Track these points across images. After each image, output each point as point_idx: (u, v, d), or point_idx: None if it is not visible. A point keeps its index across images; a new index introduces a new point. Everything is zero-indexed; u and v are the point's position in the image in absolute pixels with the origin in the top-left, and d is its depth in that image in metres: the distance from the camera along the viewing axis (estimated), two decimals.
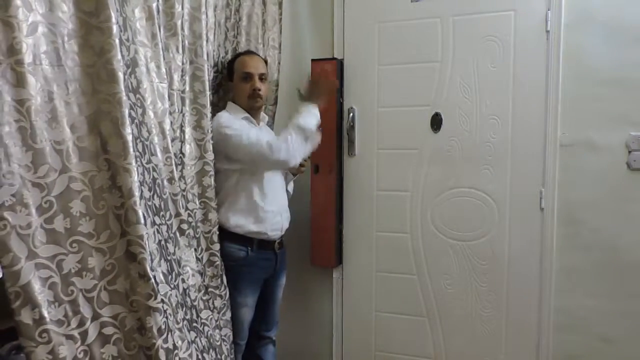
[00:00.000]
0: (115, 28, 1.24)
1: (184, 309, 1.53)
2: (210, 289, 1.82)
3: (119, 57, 1.25)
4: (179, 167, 1.68)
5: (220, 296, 1.84)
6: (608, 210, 1.99)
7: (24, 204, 1.11)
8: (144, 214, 1.31)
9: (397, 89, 2.26)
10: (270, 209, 1.90)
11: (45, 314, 1.13)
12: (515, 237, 2.13)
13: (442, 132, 2.20)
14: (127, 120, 1.26)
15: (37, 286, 1.12)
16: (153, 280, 1.31)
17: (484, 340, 2.21)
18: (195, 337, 1.57)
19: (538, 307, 2.12)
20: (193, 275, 1.66)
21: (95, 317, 1.25)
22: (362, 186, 2.35)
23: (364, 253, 2.38)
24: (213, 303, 1.83)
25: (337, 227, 2.35)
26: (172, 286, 1.45)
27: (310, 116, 1.85)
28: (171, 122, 1.59)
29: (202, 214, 1.78)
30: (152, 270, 1.31)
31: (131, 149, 1.26)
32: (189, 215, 1.73)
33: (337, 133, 2.30)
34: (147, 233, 1.31)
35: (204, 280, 1.78)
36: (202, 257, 1.79)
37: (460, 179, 2.19)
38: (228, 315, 1.86)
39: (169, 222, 1.55)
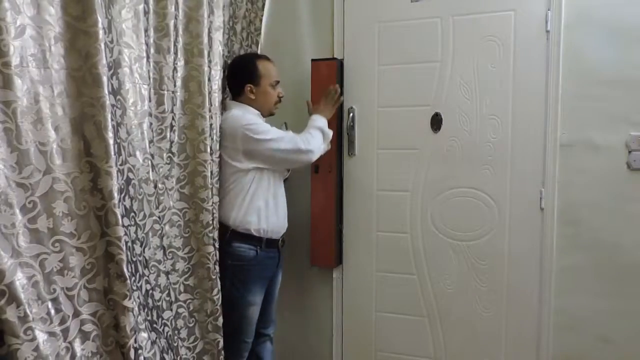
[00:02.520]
0: (101, 32, 1.25)
1: (146, 309, 1.55)
2: (198, 291, 1.81)
3: (104, 61, 1.26)
4: (168, 167, 1.68)
5: (212, 300, 1.82)
6: (608, 210, 1.99)
7: (8, 203, 1.12)
8: (122, 215, 1.33)
9: (397, 89, 2.26)
10: (280, 208, 1.98)
11: (29, 312, 1.15)
12: (515, 237, 2.13)
13: (442, 132, 2.20)
14: (110, 124, 1.28)
15: (21, 284, 1.13)
16: (129, 280, 1.34)
17: (484, 340, 2.21)
18: (156, 338, 1.59)
19: (538, 307, 2.12)
20: (159, 275, 1.66)
21: (76, 314, 1.28)
22: (362, 186, 2.35)
23: (364, 253, 2.38)
24: (203, 305, 1.82)
25: (337, 227, 2.35)
26: (135, 287, 1.47)
27: (324, 121, 2.08)
28: (151, 123, 1.59)
29: (194, 214, 1.78)
30: (128, 271, 1.34)
31: (112, 152, 1.28)
32: (174, 214, 1.73)
33: (337, 133, 2.30)
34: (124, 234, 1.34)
35: (185, 280, 1.78)
36: (190, 258, 1.79)
37: (460, 179, 2.19)
38: (220, 320, 1.85)
39: (141, 223, 1.55)
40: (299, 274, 2.43)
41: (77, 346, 1.27)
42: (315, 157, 1.97)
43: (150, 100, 1.58)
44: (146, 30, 1.54)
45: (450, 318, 2.26)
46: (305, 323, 2.50)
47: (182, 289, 1.77)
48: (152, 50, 1.59)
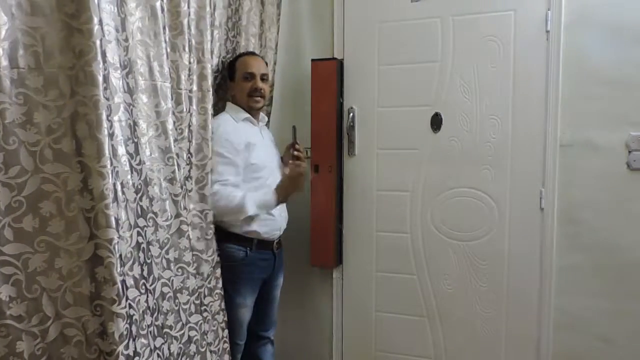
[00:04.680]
0: (96, 29, 1.23)
1: (156, 314, 1.51)
2: (217, 292, 1.80)
3: (99, 59, 1.24)
4: (187, 167, 1.67)
5: (223, 297, 1.83)
6: (608, 210, 1.99)
7: None
8: (116, 218, 1.29)
9: (397, 89, 2.26)
10: (274, 210, 1.90)
11: (6, 310, 1.15)
12: (515, 237, 2.13)
13: (442, 132, 2.20)
14: (104, 123, 1.25)
15: None
16: (119, 285, 1.28)
17: (484, 340, 2.21)
18: (162, 344, 1.53)
19: (538, 307, 2.12)
20: (188, 278, 1.64)
21: (58, 317, 1.25)
22: (362, 186, 2.35)
23: (364, 253, 2.38)
24: (220, 305, 1.81)
25: (337, 227, 2.35)
26: (143, 291, 1.43)
27: (266, 207, 1.85)
28: (174, 122, 1.58)
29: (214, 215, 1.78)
30: (120, 275, 1.29)
31: (106, 152, 1.26)
32: (195, 215, 1.71)
33: (337, 133, 2.30)
34: (118, 237, 1.29)
35: (209, 283, 1.76)
36: (212, 260, 1.78)
37: (460, 179, 2.19)
38: (219, 316, 1.84)
39: (164, 224, 1.53)
40: (299, 274, 2.43)
41: (55, 349, 1.25)
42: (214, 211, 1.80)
43: (172, 99, 1.57)
44: (164, 28, 1.53)
45: (450, 318, 2.26)
46: (305, 323, 2.50)
47: (206, 292, 1.75)
48: (168, 49, 1.58)
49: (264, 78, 1.98)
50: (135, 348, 1.36)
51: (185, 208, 1.61)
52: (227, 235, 1.86)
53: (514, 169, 2.11)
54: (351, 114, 2.33)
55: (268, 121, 2.36)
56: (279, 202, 1.88)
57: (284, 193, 1.88)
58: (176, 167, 1.57)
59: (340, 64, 2.32)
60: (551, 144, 2.04)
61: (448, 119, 2.19)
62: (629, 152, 1.95)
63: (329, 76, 2.27)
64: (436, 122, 2.21)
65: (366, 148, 2.33)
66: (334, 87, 2.27)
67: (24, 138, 1.17)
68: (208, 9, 1.72)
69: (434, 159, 2.23)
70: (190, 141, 1.68)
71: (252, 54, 2.06)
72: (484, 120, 2.14)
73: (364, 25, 2.30)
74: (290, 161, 1.99)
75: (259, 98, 1.95)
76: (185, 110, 1.64)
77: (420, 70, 2.22)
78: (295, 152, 1.99)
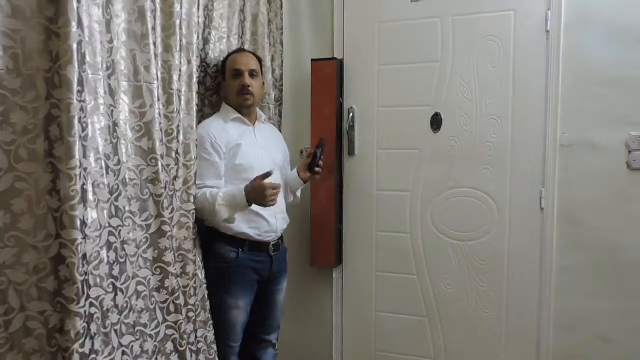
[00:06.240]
0: (72, 33, 1.24)
1: (127, 312, 1.51)
2: (202, 292, 1.80)
3: (75, 63, 1.25)
4: (175, 168, 1.67)
5: (208, 298, 1.83)
6: (608, 210, 1.99)
7: None
8: (82, 219, 1.31)
9: (397, 89, 2.26)
10: (261, 211, 1.83)
11: None
12: (515, 237, 2.13)
13: (442, 132, 2.20)
14: (76, 127, 1.27)
15: None
16: (79, 285, 1.31)
17: (484, 340, 2.21)
18: (132, 342, 1.53)
19: (538, 307, 2.12)
20: (167, 277, 1.62)
21: (22, 309, 1.28)
22: (362, 186, 2.35)
23: (364, 253, 2.38)
24: (205, 306, 1.81)
25: (337, 227, 2.35)
26: (110, 289, 1.43)
27: (237, 208, 1.75)
28: (160, 123, 1.58)
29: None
30: (82, 274, 1.32)
31: (76, 154, 1.27)
32: (183, 215, 1.71)
33: (337, 133, 2.30)
34: (83, 237, 1.32)
35: (194, 283, 1.75)
36: (198, 260, 1.78)
37: (460, 179, 2.19)
38: (203, 316, 1.82)
39: (143, 224, 1.54)
40: (299, 274, 2.42)
41: (18, 340, 1.28)
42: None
43: (159, 100, 1.57)
44: (154, 29, 1.53)
45: (450, 318, 2.26)
46: (305, 323, 2.50)
47: (191, 292, 1.74)
48: (160, 49, 1.58)
49: (253, 74, 1.90)
50: (93, 346, 1.37)
51: (167, 208, 1.61)
52: (219, 236, 1.83)
53: (514, 169, 2.11)
54: (351, 114, 2.33)
55: (281, 120, 2.36)
56: (250, 204, 1.75)
57: (251, 198, 1.75)
58: (159, 168, 1.56)
59: (340, 64, 2.32)
60: (551, 144, 2.04)
61: (448, 119, 2.19)
62: (629, 152, 1.95)
63: (329, 76, 2.27)
64: (436, 122, 2.21)
65: (366, 148, 2.33)
66: (334, 87, 2.27)
67: (0, 137, 1.20)
68: (194, 9, 1.72)
69: (434, 159, 2.23)
70: (178, 141, 1.68)
71: (242, 50, 2.01)
72: (484, 120, 2.14)
73: (364, 25, 2.30)
74: (309, 174, 2.01)
75: (248, 96, 1.88)
76: (175, 110, 1.64)
77: (420, 70, 2.22)
78: (317, 171, 2.00)
